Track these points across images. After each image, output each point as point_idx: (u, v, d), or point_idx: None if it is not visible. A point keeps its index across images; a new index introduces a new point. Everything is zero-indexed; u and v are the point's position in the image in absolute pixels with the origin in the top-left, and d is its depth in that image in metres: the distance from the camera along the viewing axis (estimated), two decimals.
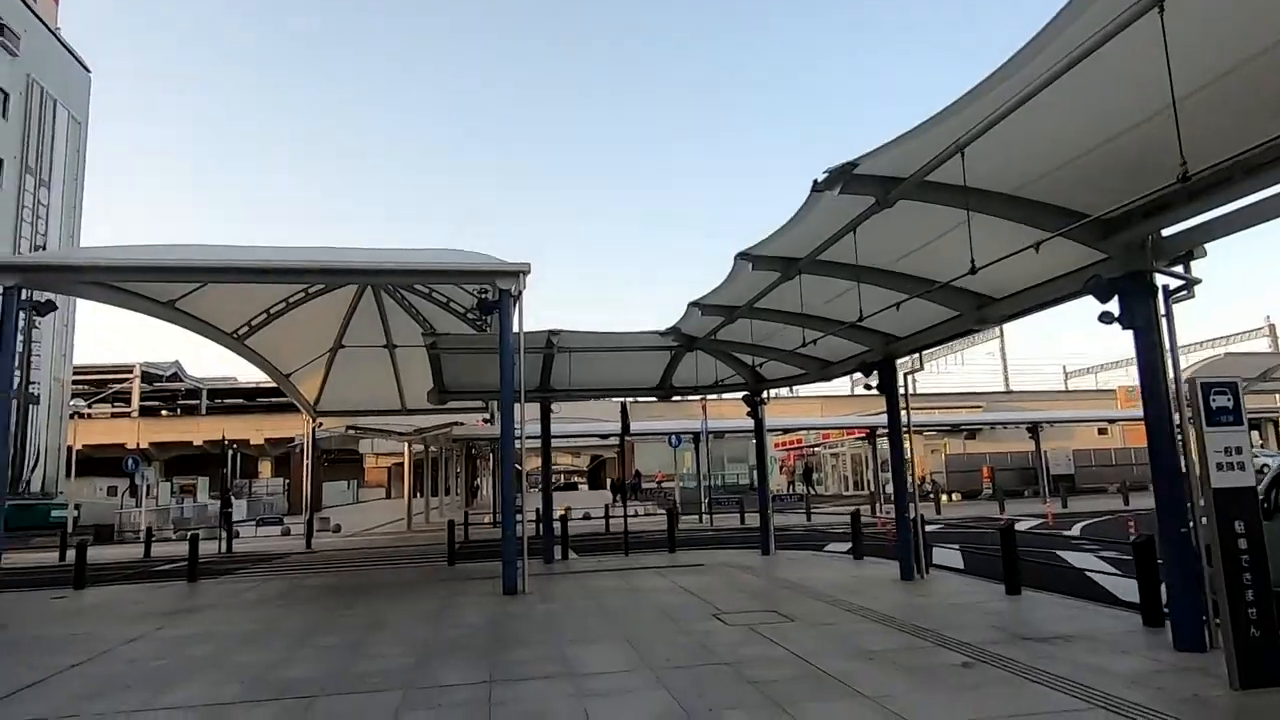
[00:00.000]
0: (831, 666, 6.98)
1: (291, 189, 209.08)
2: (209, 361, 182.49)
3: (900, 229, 8.34)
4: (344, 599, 12.26)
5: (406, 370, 27.58)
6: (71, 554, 24.85)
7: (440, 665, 7.64)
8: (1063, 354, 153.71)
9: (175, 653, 8.69)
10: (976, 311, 9.90)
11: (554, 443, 31.39)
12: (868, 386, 12.24)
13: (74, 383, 68.42)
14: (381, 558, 20.41)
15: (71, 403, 57.55)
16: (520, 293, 12.54)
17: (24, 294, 11.78)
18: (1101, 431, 38.34)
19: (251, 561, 20.55)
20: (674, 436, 32.01)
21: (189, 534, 31.18)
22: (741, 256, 9.79)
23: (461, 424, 29.98)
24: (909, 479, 12.93)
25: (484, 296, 13.09)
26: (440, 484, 39.64)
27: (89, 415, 71.82)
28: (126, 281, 13.43)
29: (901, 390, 12.32)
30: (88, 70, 53.93)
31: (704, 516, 28.54)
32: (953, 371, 53.90)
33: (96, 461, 57.01)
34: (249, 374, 77.00)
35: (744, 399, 16.46)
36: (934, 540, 18.14)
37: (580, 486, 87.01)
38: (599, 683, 6.79)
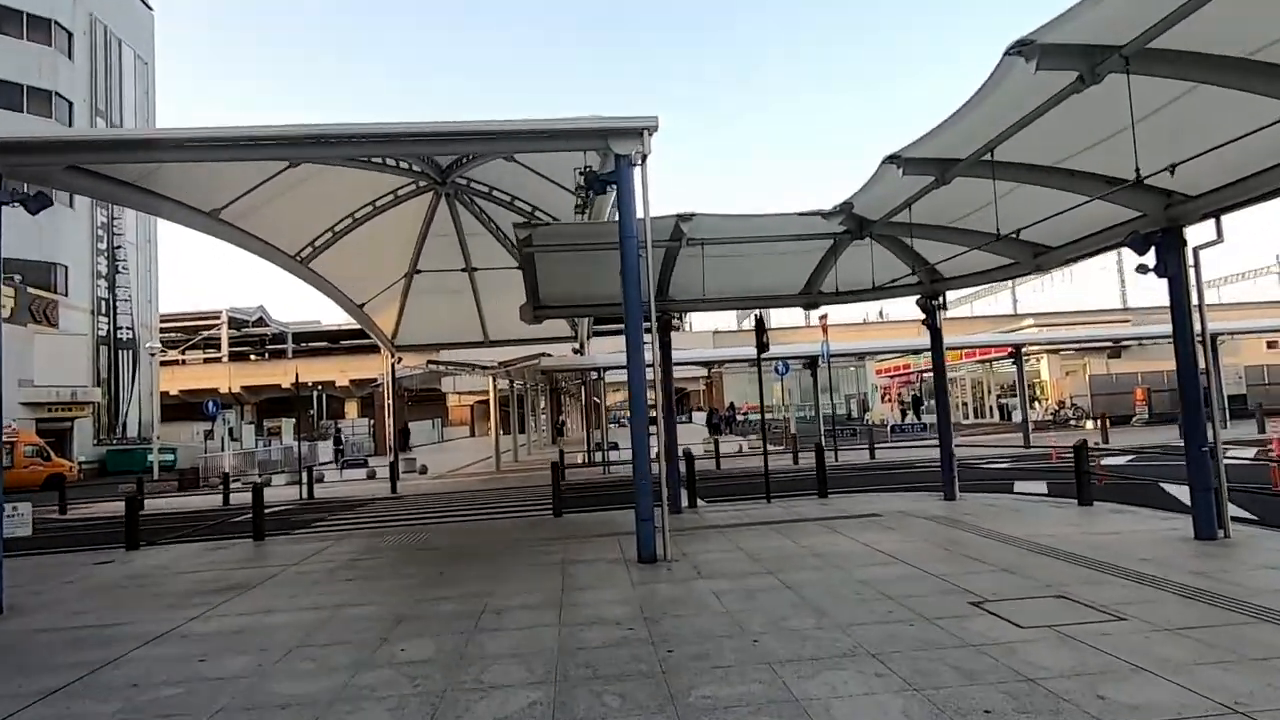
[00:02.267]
0: None
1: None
2: (292, 305, 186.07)
3: None
4: (434, 566, 9.40)
5: (488, 297, 24.65)
6: (153, 502, 24.04)
7: (591, 710, 4.56)
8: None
9: (200, 670, 5.87)
10: None
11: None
12: (1140, 269, 8.47)
13: (166, 330, 68.91)
14: (473, 504, 17.75)
15: (161, 349, 57.59)
16: (644, 158, 9.11)
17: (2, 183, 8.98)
18: (1271, 345, 33.08)
19: (331, 510, 18.20)
20: (781, 363, 28.47)
21: (263, 479, 29.84)
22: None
23: (549, 355, 27.07)
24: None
25: (589, 171, 9.64)
26: (527, 421, 37.25)
27: (183, 361, 72.48)
28: (119, 160, 10.43)
29: (1192, 276, 8.52)
30: (150, 9, 51.83)
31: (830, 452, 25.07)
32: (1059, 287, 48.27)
33: (192, 406, 56.97)
34: (332, 317, 76.30)
35: (918, 304, 12.83)
36: (1151, 474, 14.39)
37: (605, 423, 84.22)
38: None
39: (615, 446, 28.26)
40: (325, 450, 39.93)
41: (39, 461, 34.25)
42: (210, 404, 28.88)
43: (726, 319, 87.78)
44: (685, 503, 13.46)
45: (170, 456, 40.87)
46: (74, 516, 20.20)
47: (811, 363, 24.40)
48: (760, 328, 12.94)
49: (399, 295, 23.56)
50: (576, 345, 26.94)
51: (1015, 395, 36.81)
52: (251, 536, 12.66)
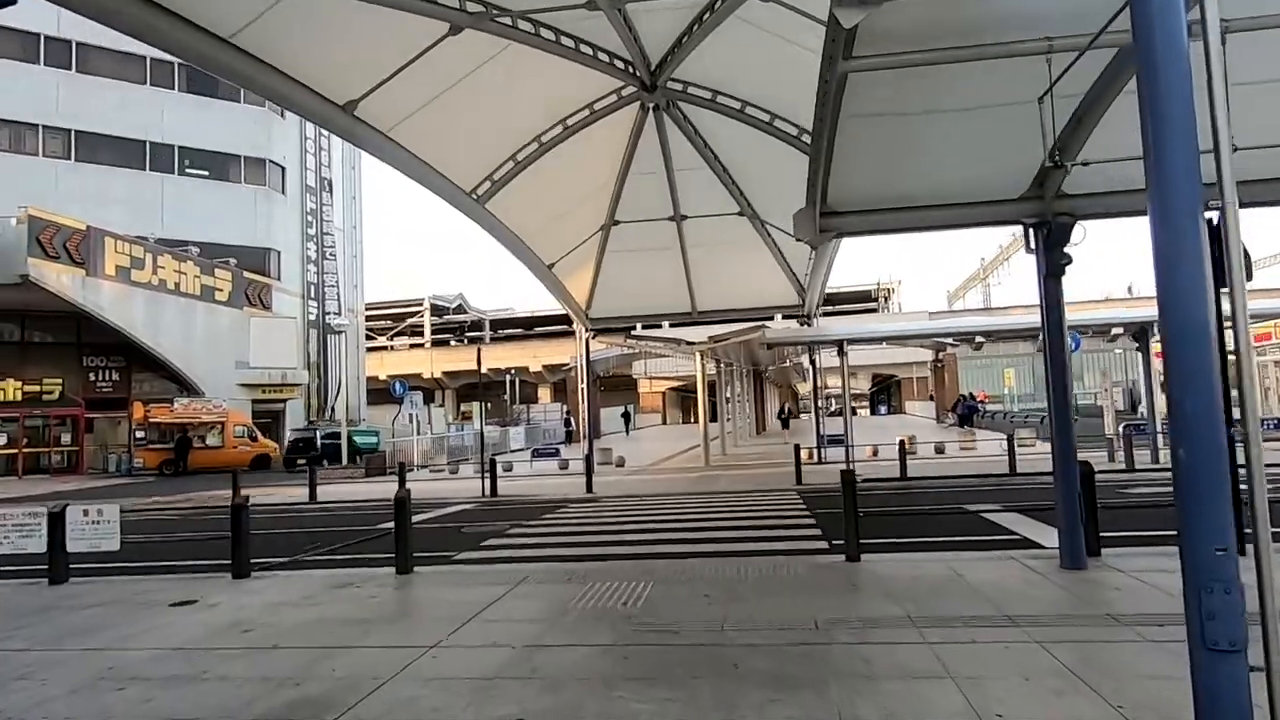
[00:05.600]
0: None
1: None
2: (489, 293, 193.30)
3: None
4: (688, 669, 4.61)
5: (700, 256, 19.82)
6: (332, 489, 19.35)
7: None
8: None
9: None
10: None
11: (848, 354, 22.00)
12: None
13: (372, 317, 70.83)
14: (694, 518, 12.92)
15: (369, 336, 58.48)
16: None
17: None
18: None
19: (515, 515, 14.09)
20: (1073, 335, 21.44)
21: (451, 467, 26.77)
22: None
23: (768, 325, 21.88)
24: None
25: None
26: (734, 408, 32.34)
27: (391, 347, 74.43)
28: None
29: None
30: None
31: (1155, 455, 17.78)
32: None
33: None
34: (526, 303, 75.56)
35: None
36: None
37: (859, 411, 75.74)
38: None
39: (840, 440, 22.60)
40: (517, 436, 37.18)
41: (247, 441, 33.82)
42: (396, 385, 26.33)
43: (938, 297, 78.54)
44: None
45: (374, 439, 39.85)
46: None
47: (1141, 333, 17.46)
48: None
49: (594, 253, 19.25)
50: (804, 314, 21.51)
51: None
52: (394, 567, 8.46)
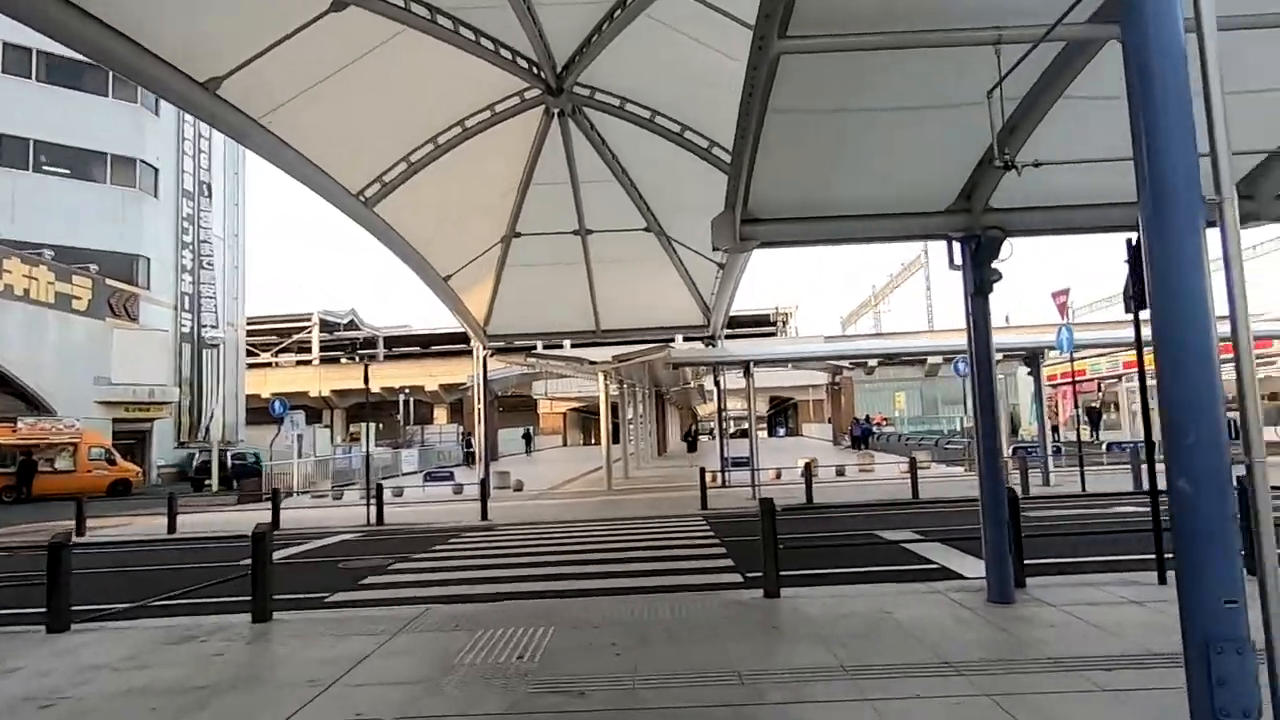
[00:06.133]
0: None
1: None
2: (383, 309, 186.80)
3: None
4: None
5: (605, 271, 19.16)
6: (193, 519, 16.73)
7: None
8: None
9: None
10: None
11: (753, 375, 21.93)
12: None
13: (256, 332, 66.70)
14: (598, 549, 12.07)
15: (251, 352, 54.75)
16: None
17: None
18: None
19: (401, 547, 12.86)
20: (960, 362, 21.97)
21: (336, 492, 24.77)
22: None
23: (673, 346, 21.38)
24: None
25: None
26: (635, 430, 31.74)
27: (276, 365, 70.28)
28: None
29: None
30: None
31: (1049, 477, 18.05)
32: None
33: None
34: (423, 321, 72.97)
35: None
36: None
37: (759, 433, 76.71)
38: None
39: (745, 463, 22.31)
40: (409, 459, 35.30)
41: (104, 465, 30.62)
42: (276, 403, 24.31)
43: (832, 322, 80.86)
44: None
45: (252, 459, 36.93)
46: (91, 541, 15.49)
47: (1033, 358, 17.90)
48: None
49: (494, 266, 18.28)
50: (709, 335, 21.13)
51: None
52: (251, 615, 7.23)
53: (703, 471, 16.87)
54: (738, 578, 8.84)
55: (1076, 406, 29.12)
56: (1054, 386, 38.06)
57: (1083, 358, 26.13)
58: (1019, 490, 16.02)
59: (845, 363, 39.60)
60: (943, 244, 7.26)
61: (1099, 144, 5.30)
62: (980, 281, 6.74)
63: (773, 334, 68.95)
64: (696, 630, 6.26)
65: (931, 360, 59.80)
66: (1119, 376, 35.47)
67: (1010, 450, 19.34)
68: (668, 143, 13.40)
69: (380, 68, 10.30)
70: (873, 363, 51.54)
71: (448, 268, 17.18)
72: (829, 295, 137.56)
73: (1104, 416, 33.60)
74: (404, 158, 12.80)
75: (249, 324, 53.07)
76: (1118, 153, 5.63)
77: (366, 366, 17.49)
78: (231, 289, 46.65)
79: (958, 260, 7.13)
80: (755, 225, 6.90)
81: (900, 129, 6.07)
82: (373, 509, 16.59)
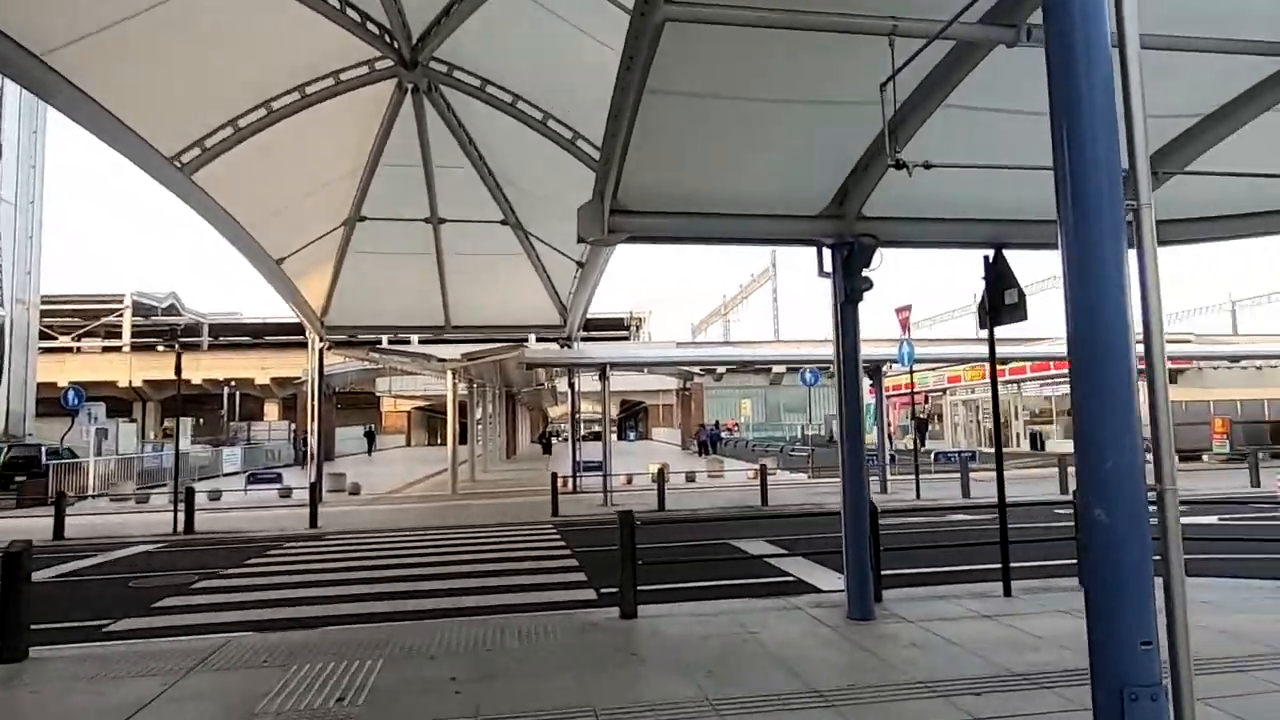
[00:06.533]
0: None
1: None
2: (211, 295, 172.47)
3: None
4: None
5: (458, 266, 18.13)
6: None
7: None
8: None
9: None
10: None
11: (588, 380, 21.81)
12: None
13: (57, 313, 59.30)
14: (438, 561, 11.16)
15: (46, 334, 48.26)
16: None
17: None
18: None
19: (210, 560, 11.34)
20: (809, 371, 22.71)
21: (138, 494, 21.74)
22: None
23: (528, 345, 20.62)
24: None
25: None
26: (487, 431, 30.61)
27: (79, 350, 62.67)
28: None
29: None
30: None
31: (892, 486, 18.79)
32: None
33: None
34: (255, 309, 67.58)
35: None
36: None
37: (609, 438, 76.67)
38: None
39: (598, 467, 21.92)
40: (232, 458, 32.24)
41: None
42: (71, 393, 21.34)
43: (683, 329, 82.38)
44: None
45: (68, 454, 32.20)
46: None
47: (875, 370, 18.62)
48: (1000, 266, 6.86)
49: (334, 252, 16.81)
50: (565, 336, 20.52)
51: (1050, 422, 32.04)
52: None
53: (554, 477, 16.24)
54: (591, 594, 8.29)
55: (912, 416, 30.80)
56: (888, 397, 40.46)
57: (917, 371, 27.64)
58: None
59: (697, 369, 40.28)
60: (808, 251, 7.08)
61: (981, 154, 5.19)
62: (851, 290, 6.56)
63: (626, 338, 69.18)
64: (548, 660, 5.64)
65: (776, 369, 62.41)
66: (943, 390, 38.04)
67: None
68: (530, 131, 12.67)
69: (202, 12, 8.99)
70: (721, 370, 52.83)
71: (280, 249, 15.59)
72: (681, 302, 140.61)
73: (930, 427, 35.91)
74: (230, 121, 11.33)
75: (46, 301, 46.91)
76: (997, 161, 5.61)
77: (179, 352, 15.55)
78: (23, 261, 41.00)
79: (827, 267, 6.94)
80: (625, 217, 6.37)
81: (781, 124, 5.75)
82: (181, 515, 14.71)
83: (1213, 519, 12.41)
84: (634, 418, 78.69)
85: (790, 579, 8.77)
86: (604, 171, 5.98)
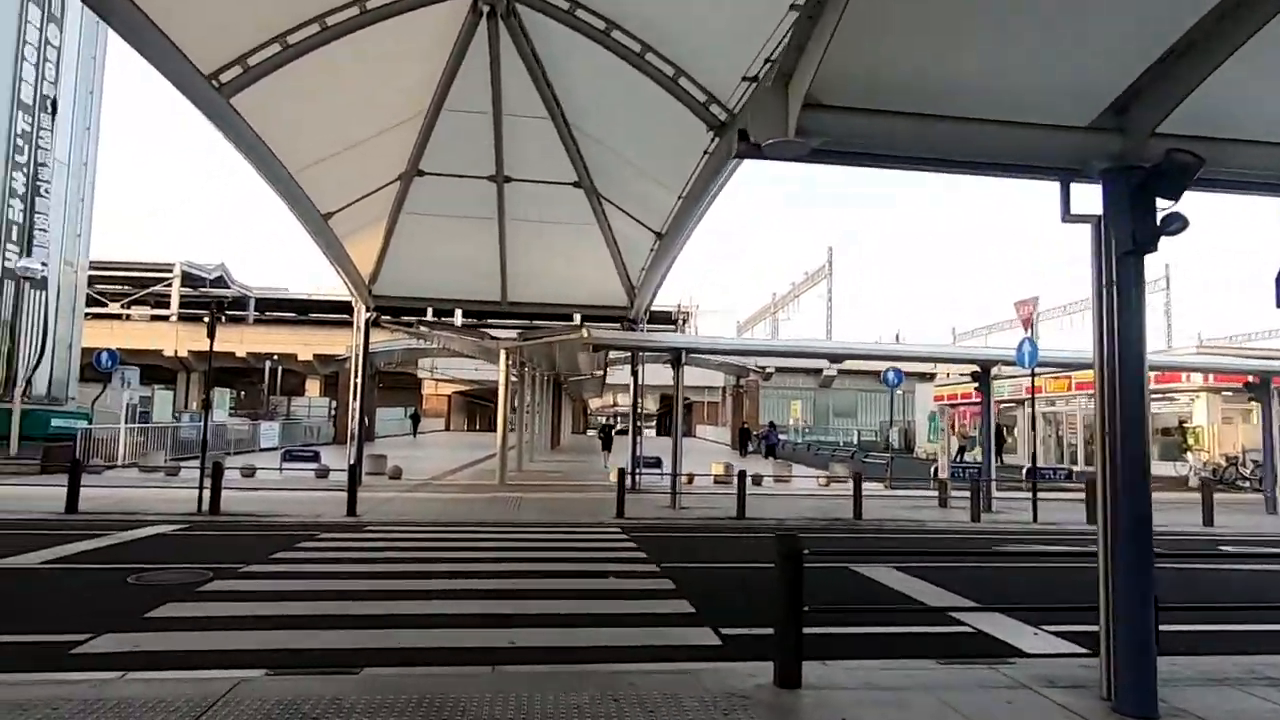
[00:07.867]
0: None
1: None
2: (259, 269, 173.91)
3: None
4: None
5: (520, 231, 16.29)
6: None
7: None
8: None
9: None
10: None
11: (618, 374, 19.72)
12: None
13: (107, 279, 59.09)
14: (501, 568, 9.28)
15: (95, 300, 47.75)
16: None
17: None
18: None
19: (233, 548, 9.63)
20: (892, 372, 20.50)
21: (170, 466, 20.34)
22: None
23: (595, 326, 18.74)
24: None
25: None
26: (534, 419, 28.87)
27: (128, 317, 62.52)
28: None
29: None
30: None
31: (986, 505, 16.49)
32: None
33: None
34: (302, 285, 66.98)
35: None
36: None
37: (646, 431, 74.56)
38: None
39: (658, 463, 20.03)
40: (270, 433, 30.99)
41: None
42: (104, 355, 20.03)
43: (728, 326, 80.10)
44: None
45: (82, 422, 31.34)
46: None
47: (984, 374, 16.33)
48: None
49: (388, 209, 15.06)
50: (630, 319, 18.58)
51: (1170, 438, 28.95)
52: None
53: (621, 473, 14.30)
54: (708, 634, 6.29)
55: (1032, 428, 28.09)
56: (952, 406, 37.83)
57: (999, 379, 25.19)
58: (970, 518, 14.35)
59: (754, 365, 38.15)
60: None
61: None
62: (1143, 235, 4.44)
63: (673, 330, 67.14)
64: None
65: (826, 372, 59.82)
66: (1017, 402, 35.35)
67: (949, 473, 17.82)
68: (618, 76, 10.65)
69: None
70: (771, 369, 50.61)
71: (329, 203, 13.88)
72: (727, 299, 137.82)
73: (1005, 440, 33.28)
74: (278, 36, 9.53)
75: (97, 268, 46.39)
76: None
77: (213, 318, 14.12)
78: (74, 225, 40.23)
79: (1082, 208, 4.86)
80: (817, 113, 4.37)
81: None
82: (207, 494, 13.11)
83: None
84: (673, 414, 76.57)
85: (966, 630, 6.67)
86: (801, 36, 3.99)
